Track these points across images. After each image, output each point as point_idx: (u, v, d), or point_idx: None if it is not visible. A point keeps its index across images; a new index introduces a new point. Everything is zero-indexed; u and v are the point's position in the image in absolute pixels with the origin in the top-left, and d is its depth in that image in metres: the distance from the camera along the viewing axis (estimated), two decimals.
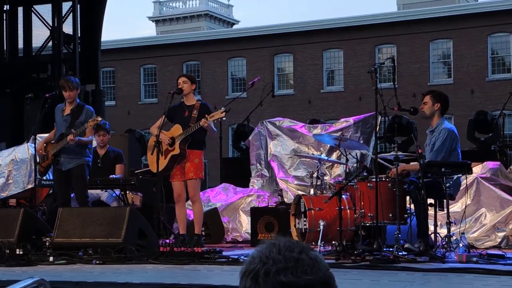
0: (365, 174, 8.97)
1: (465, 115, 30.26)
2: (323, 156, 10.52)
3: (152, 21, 52.67)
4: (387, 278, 6.89)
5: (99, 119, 9.38)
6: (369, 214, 8.54)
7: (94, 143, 11.40)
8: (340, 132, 11.44)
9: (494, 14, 35.72)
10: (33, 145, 10.05)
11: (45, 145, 9.85)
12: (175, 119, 9.36)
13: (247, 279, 1.90)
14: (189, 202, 9.64)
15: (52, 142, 9.84)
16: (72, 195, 10.03)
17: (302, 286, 1.86)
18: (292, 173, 12.61)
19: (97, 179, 10.60)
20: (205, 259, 8.36)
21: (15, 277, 6.73)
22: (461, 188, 8.98)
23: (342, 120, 12.99)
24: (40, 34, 18.72)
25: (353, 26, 38.23)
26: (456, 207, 9.96)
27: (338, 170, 12.08)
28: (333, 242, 8.70)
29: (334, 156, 11.72)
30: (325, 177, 9.97)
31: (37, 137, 10.06)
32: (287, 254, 1.89)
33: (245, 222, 12.00)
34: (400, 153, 8.67)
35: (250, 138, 13.44)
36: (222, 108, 9.05)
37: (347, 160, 9.70)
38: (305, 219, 9.07)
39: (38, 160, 9.87)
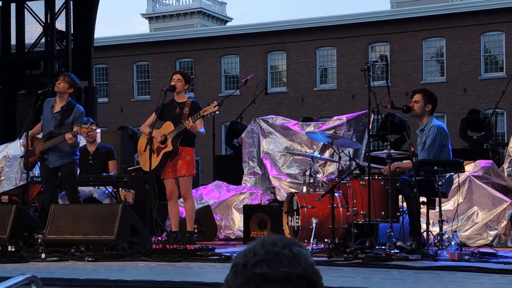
0: (358, 172, 8.98)
1: (457, 114, 30.34)
2: (316, 154, 10.53)
3: (145, 18, 52.59)
4: (379, 276, 6.89)
5: (94, 127, 9.39)
6: (361, 212, 8.55)
7: (84, 142, 11.38)
8: (333, 130, 11.44)
9: (487, 12, 35.78)
10: None
11: (31, 138, 9.82)
12: (165, 117, 9.30)
13: (229, 272, 1.91)
14: (182, 199, 9.63)
15: (38, 136, 9.82)
16: (63, 192, 10.01)
17: (276, 278, 1.85)
18: (285, 170, 12.62)
19: (90, 176, 10.57)
20: (197, 256, 8.36)
21: (6, 274, 6.70)
22: (453, 186, 8.99)
23: (335, 118, 13.00)
24: (33, 31, 18.65)
25: (346, 24, 38.24)
26: (448, 205, 9.97)
27: (331, 168, 12.09)
28: (326, 240, 8.70)
29: (327, 154, 11.73)
30: (318, 175, 9.97)
31: (29, 133, 10.03)
32: (269, 248, 1.89)
33: (238, 219, 12.01)
34: (392, 151, 8.67)
35: (242, 135, 13.44)
36: (215, 102, 9.01)
37: (340, 158, 9.70)
38: (297, 216, 9.08)
39: (24, 154, 9.87)
